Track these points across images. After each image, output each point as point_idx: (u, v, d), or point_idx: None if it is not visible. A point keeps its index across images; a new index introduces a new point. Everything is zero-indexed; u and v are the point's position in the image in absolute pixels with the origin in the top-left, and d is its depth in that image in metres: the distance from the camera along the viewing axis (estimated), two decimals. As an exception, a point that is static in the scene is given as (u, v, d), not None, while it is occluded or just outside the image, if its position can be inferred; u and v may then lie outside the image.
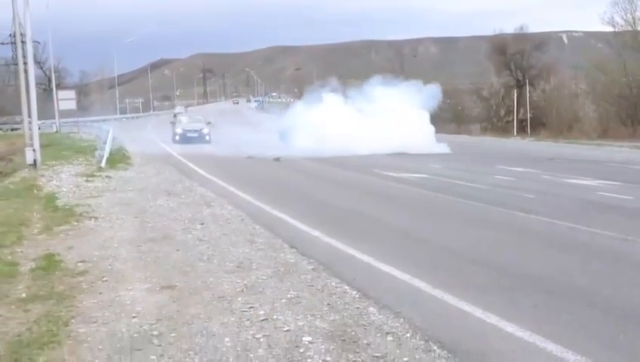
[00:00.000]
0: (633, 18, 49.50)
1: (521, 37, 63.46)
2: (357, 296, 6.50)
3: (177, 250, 8.55)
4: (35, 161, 19.84)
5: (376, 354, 5.01)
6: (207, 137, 33.79)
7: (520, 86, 59.97)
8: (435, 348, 5.14)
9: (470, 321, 5.82)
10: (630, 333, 5.53)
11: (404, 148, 27.13)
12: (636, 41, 48.31)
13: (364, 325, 5.65)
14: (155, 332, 5.45)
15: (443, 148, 29.30)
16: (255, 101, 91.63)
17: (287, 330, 5.50)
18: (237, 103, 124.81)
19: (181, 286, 6.84)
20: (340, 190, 16.30)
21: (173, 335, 5.39)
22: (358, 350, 5.09)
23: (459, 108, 65.97)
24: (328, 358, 4.94)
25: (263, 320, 5.76)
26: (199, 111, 65.73)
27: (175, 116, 49.61)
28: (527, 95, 56.38)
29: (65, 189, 14.99)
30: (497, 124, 60.22)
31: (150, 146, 30.69)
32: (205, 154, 26.30)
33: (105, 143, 24.05)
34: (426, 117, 31.64)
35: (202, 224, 10.44)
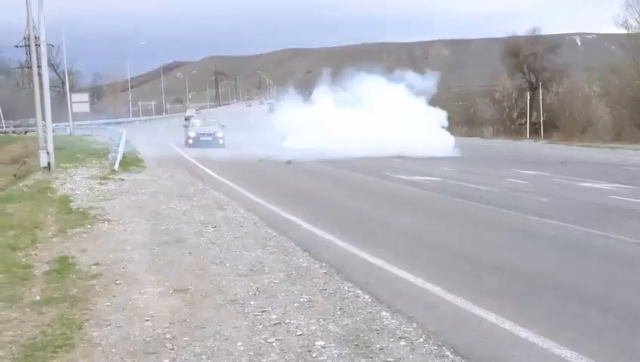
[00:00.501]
0: (647, 20, 49.20)
1: (534, 39, 63.32)
2: (369, 300, 6.49)
3: (190, 253, 8.57)
4: (49, 163, 19.95)
5: (389, 359, 4.99)
6: (221, 141, 33.02)
7: (533, 88, 59.78)
8: (449, 353, 5.12)
9: (484, 326, 5.79)
10: (646, 339, 5.48)
11: (412, 151, 26.82)
12: (650, 44, 48.01)
13: (377, 329, 5.63)
14: (168, 336, 5.46)
15: (452, 151, 29.07)
16: (267, 103, 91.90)
17: (300, 334, 5.49)
18: (250, 106, 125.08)
19: (194, 289, 6.85)
20: (351, 193, 16.29)
21: (185, 338, 5.40)
22: (371, 355, 5.07)
23: (471, 110, 65.88)
24: (341, 363, 4.93)
25: (275, 324, 5.75)
26: (211, 114, 65.95)
27: (187, 119, 49.62)
28: (540, 97, 56.15)
29: (78, 192, 15.07)
30: (510, 126, 60.07)
31: (162, 149, 30.83)
32: (217, 157, 26.35)
33: (118, 146, 24.17)
34: (442, 117, 31.52)
35: (215, 227, 10.45)
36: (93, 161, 22.89)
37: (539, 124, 55.90)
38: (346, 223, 11.21)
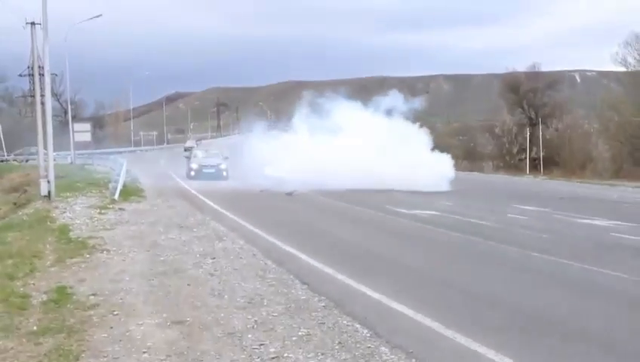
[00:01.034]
0: (646, 58, 49.72)
1: (533, 75, 63.86)
2: (368, 334, 6.45)
3: (188, 285, 8.54)
4: (49, 192, 19.97)
5: (387, 396, 4.94)
6: (224, 173, 31.67)
7: (533, 124, 60.09)
8: (448, 390, 5.07)
9: (483, 363, 5.74)
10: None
11: (406, 184, 26.22)
12: (649, 82, 48.46)
13: (376, 365, 5.59)
14: (165, 369, 5.41)
15: (448, 184, 28.25)
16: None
17: (298, 369, 5.45)
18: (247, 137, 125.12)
19: (192, 321, 6.82)
20: (352, 226, 16.27)
21: (183, 371, 5.36)
22: (369, 391, 5.02)
23: (471, 145, 66.10)
24: (339, 399, 4.88)
25: (273, 357, 5.71)
26: (212, 145, 66.10)
27: (186, 150, 49.34)
28: (540, 133, 56.41)
29: (78, 221, 15.06)
30: (510, 161, 60.23)
31: (163, 179, 30.85)
32: (218, 187, 26.37)
33: (118, 175, 24.21)
34: (444, 159, 31.00)
35: (214, 258, 10.43)
36: (94, 191, 22.90)
37: (538, 159, 56.08)
38: (345, 256, 11.18)
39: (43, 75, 22.61)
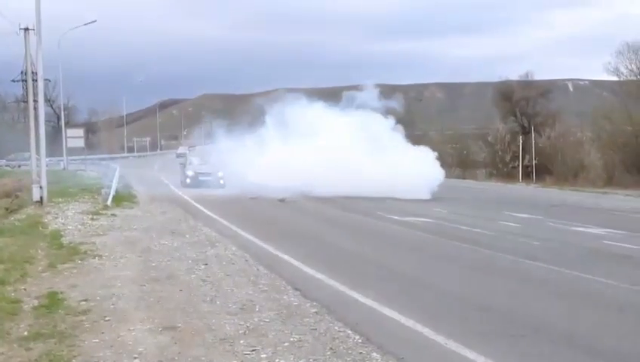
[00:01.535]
0: (638, 68, 49.99)
1: (526, 84, 64.12)
2: (360, 340, 6.46)
3: (180, 291, 8.53)
4: (41, 197, 19.91)
5: (378, 401, 4.95)
6: (221, 181, 30.08)
7: (525, 132, 60.26)
8: (438, 396, 5.08)
9: (474, 369, 5.76)
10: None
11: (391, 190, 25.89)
12: (641, 91, 48.76)
13: (367, 371, 5.60)
14: (156, 374, 5.41)
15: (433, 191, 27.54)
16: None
17: (289, 375, 5.45)
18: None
19: (183, 327, 6.81)
20: (343, 232, 16.28)
21: (174, 377, 5.35)
22: (360, 396, 5.03)
23: (464, 153, 66.22)
24: (330, 404, 4.88)
25: (265, 363, 5.71)
26: (206, 152, 65.90)
27: (179, 156, 48.90)
28: (533, 141, 56.60)
29: (70, 227, 15.02)
30: (503, 169, 60.34)
31: (155, 185, 30.77)
32: (209, 194, 26.29)
33: (111, 181, 24.16)
34: (428, 158, 29.94)
35: (206, 264, 10.42)
36: (86, 196, 22.84)
37: (531, 167, 56.23)
38: (337, 262, 11.19)
39: (36, 80, 22.57)
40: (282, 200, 23.84)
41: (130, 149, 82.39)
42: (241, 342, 6.31)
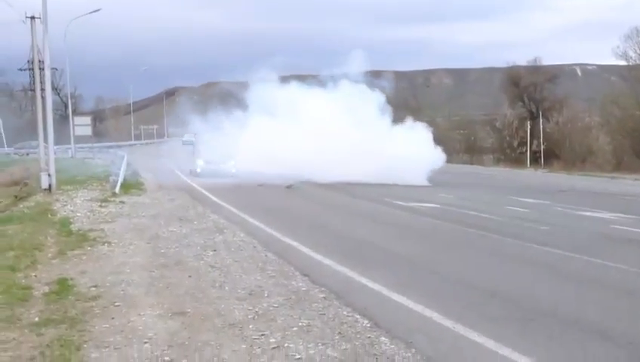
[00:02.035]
0: (646, 52, 49.67)
1: (534, 69, 63.82)
2: (368, 325, 6.47)
3: (189, 277, 8.57)
4: (50, 185, 20.01)
5: (387, 385, 4.97)
6: (233, 170, 28.85)
7: (533, 118, 60.05)
8: (447, 379, 5.10)
9: (482, 352, 5.78)
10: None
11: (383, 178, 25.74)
12: (650, 75, 48.43)
13: (376, 355, 5.62)
14: (166, 359, 5.44)
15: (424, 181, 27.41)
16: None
17: (299, 359, 5.48)
18: None
19: (193, 312, 6.85)
20: (351, 218, 16.30)
21: (184, 361, 5.39)
22: (369, 380, 5.05)
23: (472, 138, 66.06)
24: (339, 388, 4.91)
25: (274, 348, 5.74)
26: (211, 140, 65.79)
27: (185, 143, 48.64)
28: (541, 127, 56.39)
29: (79, 214, 15.09)
30: (510, 155, 60.22)
31: (163, 172, 30.79)
32: (217, 181, 26.33)
33: (119, 169, 24.22)
34: (425, 139, 29.58)
35: (214, 251, 10.46)
36: (94, 184, 22.92)
37: (539, 152, 56.09)
38: (345, 248, 11.20)
39: (43, 69, 22.59)
40: (289, 187, 23.86)
41: (138, 137, 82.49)
42: (250, 326, 6.34)
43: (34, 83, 24.54)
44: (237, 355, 5.54)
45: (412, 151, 27.39)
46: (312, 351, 5.66)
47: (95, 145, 49.33)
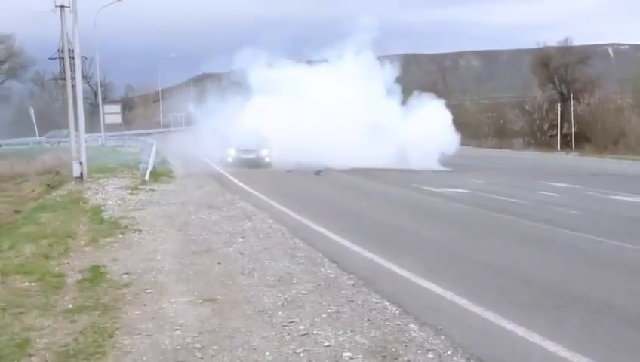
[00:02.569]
0: (682, 31, 48.52)
1: (565, 50, 62.62)
2: (397, 312, 6.47)
3: (219, 264, 8.64)
4: (81, 173, 20.28)
5: (417, 372, 4.98)
6: (266, 159, 27.43)
7: (564, 100, 59.03)
8: (477, 366, 5.08)
9: (512, 340, 5.74)
10: (679, 356, 5.38)
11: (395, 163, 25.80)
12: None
13: (405, 342, 5.62)
14: (197, 345, 5.52)
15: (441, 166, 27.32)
16: None
17: (328, 346, 5.51)
18: None
19: (222, 299, 6.91)
20: (380, 204, 16.26)
21: (215, 348, 5.45)
22: (398, 367, 5.06)
23: (501, 122, 65.21)
24: (369, 375, 4.93)
25: (303, 334, 5.78)
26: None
27: (213, 131, 48.55)
28: (572, 109, 55.44)
29: (110, 202, 15.29)
30: (541, 138, 59.34)
31: (191, 159, 30.97)
32: (245, 168, 26.44)
33: (148, 157, 24.45)
34: (444, 121, 29.36)
35: (243, 237, 10.53)
36: (125, 172, 23.19)
37: (570, 136, 55.20)
38: (374, 235, 11.19)
39: (73, 57, 22.79)
40: (318, 173, 23.89)
41: (167, 124, 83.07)
42: (280, 313, 6.39)
43: (64, 72, 24.74)
44: (266, 342, 5.59)
45: (427, 134, 27.23)
46: (340, 338, 5.68)
47: (125, 133, 49.81)
